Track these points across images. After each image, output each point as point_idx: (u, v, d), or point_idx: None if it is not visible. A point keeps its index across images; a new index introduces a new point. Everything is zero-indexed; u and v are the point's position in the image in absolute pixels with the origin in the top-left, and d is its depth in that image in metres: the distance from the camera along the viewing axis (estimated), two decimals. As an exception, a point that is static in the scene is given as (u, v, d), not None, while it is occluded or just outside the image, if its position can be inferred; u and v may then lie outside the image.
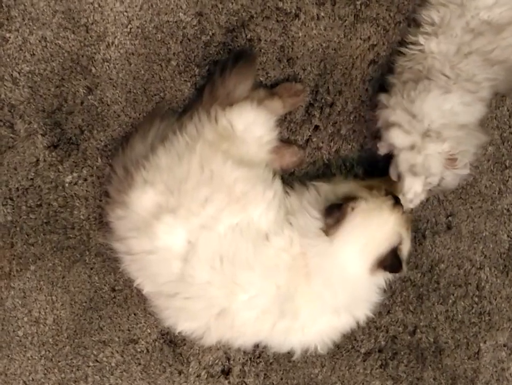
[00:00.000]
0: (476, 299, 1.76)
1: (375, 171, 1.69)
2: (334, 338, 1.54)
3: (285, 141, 1.66)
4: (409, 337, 1.75)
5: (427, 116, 1.46)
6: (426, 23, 1.55)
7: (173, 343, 1.68)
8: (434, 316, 1.75)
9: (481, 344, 1.77)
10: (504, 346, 1.78)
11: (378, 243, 1.43)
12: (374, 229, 1.43)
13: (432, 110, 1.47)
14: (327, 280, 1.44)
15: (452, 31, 1.50)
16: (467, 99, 1.49)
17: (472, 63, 1.49)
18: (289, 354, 1.58)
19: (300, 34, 1.65)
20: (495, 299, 1.77)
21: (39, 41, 1.60)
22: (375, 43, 1.67)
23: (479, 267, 1.76)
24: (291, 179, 1.67)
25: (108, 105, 1.63)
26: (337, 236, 1.42)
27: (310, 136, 1.69)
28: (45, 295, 1.65)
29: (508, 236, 1.76)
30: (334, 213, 1.41)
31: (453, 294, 1.75)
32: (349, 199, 1.44)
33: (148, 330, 1.68)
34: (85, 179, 1.64)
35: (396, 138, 1.50)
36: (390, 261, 1.43)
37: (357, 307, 1.53)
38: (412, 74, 1.54)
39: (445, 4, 1.52)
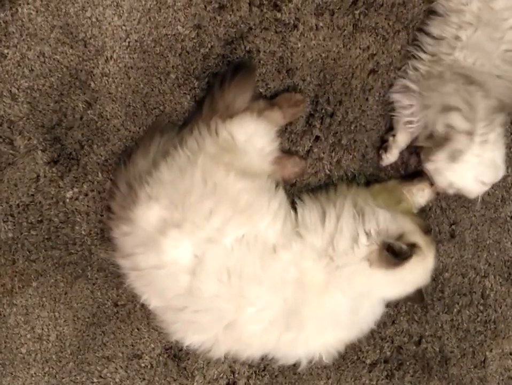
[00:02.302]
0: (481, 308, 1.82)
1: (378, 179, 1.76)
2: (339, 349, 1.60)
3: (286, 152, 1.72)
4: (414, 347, 1.81)
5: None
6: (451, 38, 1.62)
7: (178, 357, 1.74)
8: (439, 325, 1.81)
9: (487, 353, 1.83)
10: (511, 354, 1.84)
11: (416, 282, 1.55)
12: (417, 280, 1.55)
13: None
14: (346, 298, 1.51)
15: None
16: None
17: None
18: (295, 366, 1.64)
19: (299, 45, 1.71)
20: (500, 307, 1.82)
21: (38, 56, 1.65)
22: (374, 52, 1.73)
23: (483, 275, 1.81)
24: (295, 191, 1.73)
25: (107, 119, 1.68)
26: (382, 270, 1.49)
27: (311, 146, 1.74)
28: (47, 312, 1.70)
29: (512, 244, 1.82)
30: (396, 258, 1.47)
31: (458, 303, 1.81)
32: (412, 246, 1.49)
33: (152, 345, 1.73)
34: (86, 195, 1.69)
35: (456, 120, 1.56)
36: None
37: (366, 321, 1.59)
38: None
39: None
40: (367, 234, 1.49)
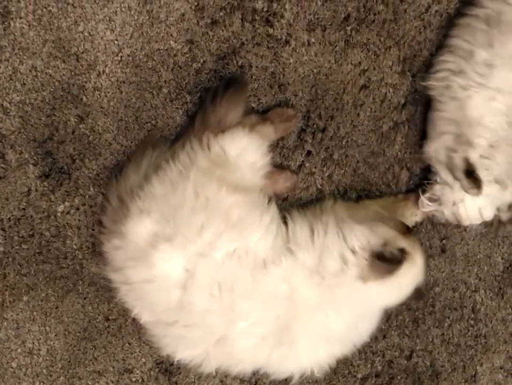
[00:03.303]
0: (472, 322, 1.86)
1: (369, 194, 1.80)
2: (331, 363, 1.63)
3: (278, 167, 1.76)
4: (405, 361, 1.84)
5: None
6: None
7: (169, 371, 1.77)
8: (430, 339, 1.85)
9: (478, 367, 1.87)
10: (501, 368, 1.87)
11: (412, 283, 1.58)
12: (410, 283, 1.57)
13: None
14: (340, 315, 1.53)
15: None
16: None
17: None
18: (286, 381, 1.66)
19: (291, 60, 1.75)
20: (491, 322, 1.86)
21: (30, 70, 1.68)
22: (366, 68, 1.77)
23: (474, 289, 1.85)
24: (287, 205, 1.77)
25: (99, 134, 1.71)
26: (378, 281, 1.51)
27: (302, 161, 1.78)
28: (38, 326, 1.73)
29: (502, 258, 1.86)
30: (387, 265, 1.50)
31: (449, 318, 1.85)
32: (400, 252, 1.52)
33: (143, 359, 1.76)
34: (77, 209, 1.72)
35: None
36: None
37: (362, 335, 1.63)
38: None
39: None
40: (353, 252, 1.51)
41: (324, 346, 1.58)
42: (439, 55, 1.72)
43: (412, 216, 1.75)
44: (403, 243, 1.54)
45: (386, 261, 1.49)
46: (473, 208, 1.65)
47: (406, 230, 1.60)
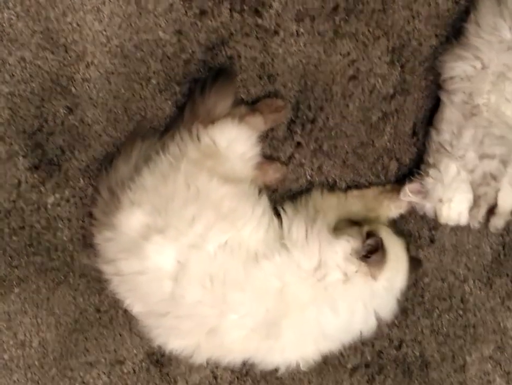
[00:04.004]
0: (461, 312, 1.88)
1: (359, 185, 1.83)
2: (316, 359, 1.66)
3: (267, 158, 1.78)
4: (395, 352, 1.87)
5: None
6: None
7: (160, 363, 1.79)
8: (419, 330, 1.87)
9: (467, 357, 1.89)
10: (490, 358, 1.90)
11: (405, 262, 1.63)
12: (401, 254, 1.63)
13: None
14: (337, 315, 1.56)
15: None
16: None
17: None
18: (277, 371, 1.68)
19: (280, 51, 1.77)
20: (480, 312, 1.89)
21: (18, 62, 1.70)
22: (355, 58, 1.79)
23: (462, 280, 1.88)
24: (277, 197, 1.79)
25: (89, 125, 1.73)
26: (382, 273, 1.56)
27: (292, 152, 1.80)
28: (30, 318, 1.75)
29: (491, 248, 1.88)
30: (377, 253, 1.54)
31: (438, 308, 1.88)
32: (368, 234, 1.57)
33: (135, 351, 1.79)
34: (68, 200, 1.74)
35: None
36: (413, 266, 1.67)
37: (355, 334, 1.64)
38: None
39: None
40: (346, 260, 1.55)
41: (311, 343, 1.61)
42: None
43: (397, 208, 1.78)
44: (366, 227, 1.60)
45: (373, 252, 1.53)
46: (455, 210, 1.69)
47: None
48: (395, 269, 1.60)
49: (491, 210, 1.71)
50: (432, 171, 1.71)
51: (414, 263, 1.71)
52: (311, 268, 1.54)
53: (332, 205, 1.73)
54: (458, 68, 1.70)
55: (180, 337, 1.59)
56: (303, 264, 1.54)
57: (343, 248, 1.55)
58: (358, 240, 1.56)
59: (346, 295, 1.55)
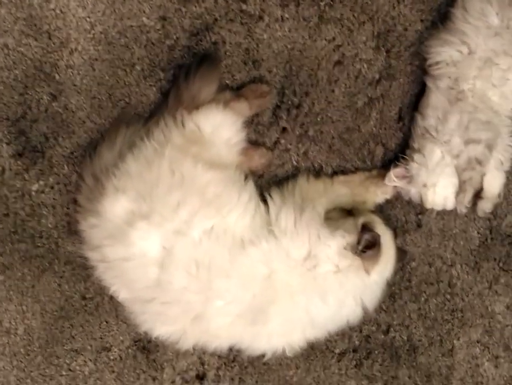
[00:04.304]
0: (448, 296, 1.89)
1: (345, 170, 1.83)
2: (302, 345, 1.66)
3: (253, 144, 1.78)
4: (382, 336, 1.88)
5: None
6: None
7: (147, 349, 1.80)
8: (407, 314, 1.88)
9: (455, 341, 1.90)
10: (478, 342, 1.91)
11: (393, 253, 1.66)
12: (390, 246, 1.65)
13: None
14: (326, 304, 1.57)
15: None
16: None
17: None
18: (264, 357, 1.69)
19: (265, 36, 1.77)
20: (467, 296, 1.90)
21: (1, 49, 1.69)
22: (340, 43, 1.80)
23: (450, 264, 1.89)
24: (263, 182, 1.80)
25: (72, 112, 1.73)
26: (376, 268, 1.58)
27: (278, 138, 1.81)
28: (15, 305, 1.75)
29: (478, 233, 1.89)
30: (372, 250, 1.56)
31: (425, 292, 1.89)
32: (364, 228, 1.58)
33: (121, 337, 1.79)
34: (52, 187, 1.74)
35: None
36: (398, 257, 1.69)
37: (342, 322, 1.66)
38: None
39: None
40: (339, 254, 1.56)
41: (298, 330, 1.62)
42: None
43: (383, 193, 1.78)
44: (360, 219, 1.61)
45: (370, 247, 1.55)
46: (441, 195, 1.70)
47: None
48: (386, 262, 1.62)
49: (478, 195, 1.72)
50: (416, 156, 1.71)
51: (400, 254, 1.72)
52: (301, 257, 1.55)
53: (319, 191, 1.74)
54: (445, 53, 1.71)
55: (166, 323, 1.60)
56: (292, 253, 1.55)
57: (337, 243, 1.56)
58: (353, 235, 1.57)
59: (337, 286, 1.57)
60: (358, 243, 1.55)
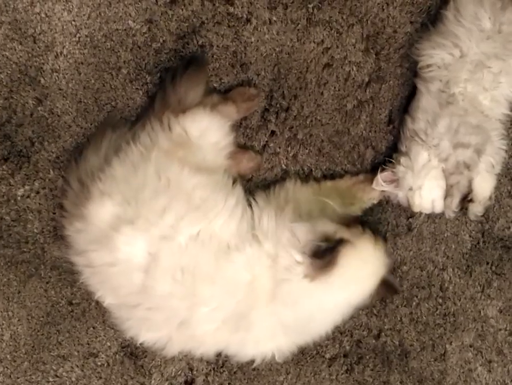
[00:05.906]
0: (440, 300, 1.88)
1: (334, 173, 1.82)
2: (292, 350, 1.65)
3: (241, 147, 1.78)
4: (373, 341, 1.87)
5: None
6: None
7: (134, 355, 1.79)
8: (399, 318, 1.87)
9: (447, 346, 1.89)
10: (470, 346, 1.90)
11: (368, 282, 1.57)
12: (363, 272, 1.56)
13: None
14: (291, 312, 1.55)
15: None
16: None
17: None
18: (253, 362, 1.68)
19: (253, 39, 1.77)
20: (459, 300, 1.89)
21: (-14, 53, 1.70)
22: (329, 46, 1.79)
23: (441, 268, 1.88)
24: (252, 186, 1.79)
25: (58, 116, 1.73)
26: (322, 280, 1.51)
27: (267, 141, 1.81)
28: (1, 311, 1.75)
29: (470, 236, 1.88)
30: (324, 259, 1.49)
31: (417, 296, 1.88)
32: (337, 242, 1.51)
33: (108, 343, 1.79)
34: (38, 192, 1.74)
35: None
36: (384, 292, 1.61)
37: (321, 329, 1.64)
38: None
39: None
40: (300, 251, 1.52)
41: (282, 335, 1.60)
42: None
43: (371, 198, 1.78)
44: (344, 234, 1.54)
45: (322, 255, 1.50)
46: (427, 198, 1.69)
47: (349, 223, 1.60)
48: (351, 282, 1.55)
49: (465, 199, 1.71)
50: (403, 159, 1.71)
51: (390, 289, 1.65)
52: (274, 255, 1.53)
53: (305, 196, 1.73)
54: (436, 55, 1.71)
55: (152, 329, 1.59)
56: (271, 252, 1.54)
57: (301, 230, 1.53)
58: (317, 238, 1.52)
59: (298, 290, 1.53)
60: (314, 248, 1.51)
